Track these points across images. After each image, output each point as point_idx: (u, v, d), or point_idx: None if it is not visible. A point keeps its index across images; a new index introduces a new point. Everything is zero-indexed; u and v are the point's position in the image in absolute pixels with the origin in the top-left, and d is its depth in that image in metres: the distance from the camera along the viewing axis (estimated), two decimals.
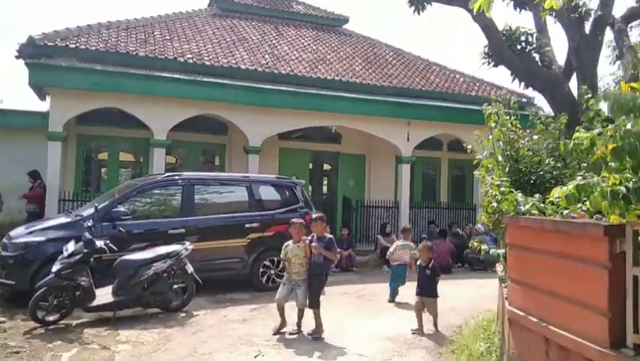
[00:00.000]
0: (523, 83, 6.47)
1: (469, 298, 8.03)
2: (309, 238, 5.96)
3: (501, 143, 5.09)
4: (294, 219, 6.22)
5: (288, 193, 8.82)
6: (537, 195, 4.06)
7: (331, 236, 6.06)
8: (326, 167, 15.05)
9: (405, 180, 12.23)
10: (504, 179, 4.40)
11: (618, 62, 11.13)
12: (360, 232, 12.61)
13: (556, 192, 2.98)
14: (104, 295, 6.27)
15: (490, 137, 5.20)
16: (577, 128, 4.92)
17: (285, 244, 6.09)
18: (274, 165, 12.20)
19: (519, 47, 6.96)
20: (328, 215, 11.72)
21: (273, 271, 8.19)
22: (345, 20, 17.43)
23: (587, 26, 6.25)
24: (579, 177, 4.25)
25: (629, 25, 8.57)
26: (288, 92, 10.93)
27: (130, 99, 9.91)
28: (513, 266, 3.62)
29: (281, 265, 8.25)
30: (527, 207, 3.59)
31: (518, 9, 8.15)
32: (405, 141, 12.20)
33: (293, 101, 10.95)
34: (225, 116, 10.74)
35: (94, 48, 11.03)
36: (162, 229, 7.54)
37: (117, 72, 9.90)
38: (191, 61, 11.70)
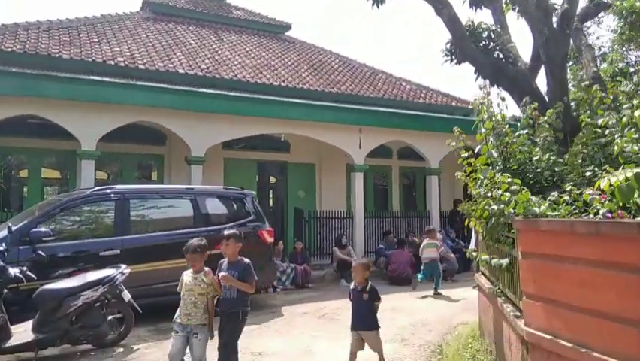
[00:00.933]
0: (488, 81, 6.12)
1: (439, 311, 7.51)
2: (222, 262, 4.61)
3: (491, 138, 4.58)
4: (193, 240, 4.66)
5: (237, 206, 8.00)
6: (538, 195, 3.55)
7: (248, 261, 4.61)
8: (274, 177, 14.33)
9: (358, 189, 11.68)
10: (507, 176, 3.82)
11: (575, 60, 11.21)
12: (314, 245, 11.91)
13: (603, 184, 2.41)
14: (22, 332, 5.23)
15: (483, 130, 4.67)
16: (582, 117, 4.55)
17: (184, 272, 4.63)
18: (219, 177, 11.30)
19: (482, 43, 6.63)
20: (278, 228, 11.00)
21: None
22: (288, 27, 16.87)
23: (554, 20, 6.00)
24: (588, 172, 3.82)
25: (584, 25, 8.59)
26: (232, 97, 10.12)
27: (53, 106, 8.72)
28: (529, 279, 3.03)
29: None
30: (543, 208, 3.02)
31: (474, 7, 7.84)
32: (357, 149, 11.68)
33: (238, 107, 10.13)
34: (163, 123, 9.75)
35: (9, 50, 9.77)
36: (93, 250, 6.51)
37: (37, 74, 8.70)
38: (123, 64, 10.67)
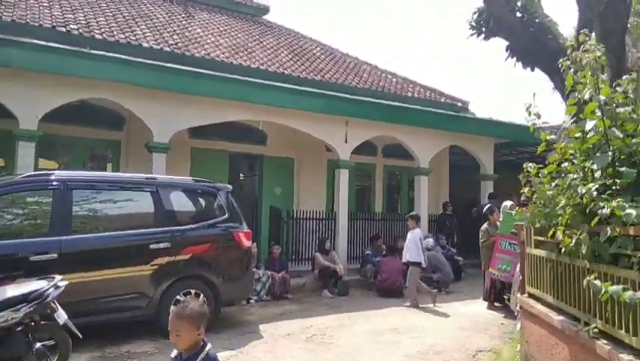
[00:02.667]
0: (520, 62, 5.06)
1: (449, 333, 6.36)
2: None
3: (601, 96, 3.30)
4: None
5: (208, 202, 6.64)
6: None
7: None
8: (248, 171, 12.99)
9: (343, 187, 10.46)
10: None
11: None
12: (292, 249, 10.63)
13: None
14: None
15: (587, 89, 3.40)
16: None
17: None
18: (184, 169, 9.83)
19: (518, 14, 5.55)
20: (251, 227, 9.65)
21: None
22: (266, 10, 15.51)
23: None
24: None
25: None
26: (204, 76, 8.70)
27: None
28: None
29: (200, 300, 6.06)
30: None
31: None
32: (342, 143, 10.46)
33: (210, 88, 8.72)
34: (122, 102, 8.26)
35: None
36: (20, 254, 5.05)
37: None
38: (76, 32, 9.12)
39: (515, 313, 6.82)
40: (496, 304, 7.95)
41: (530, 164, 4.14)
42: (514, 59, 5.52)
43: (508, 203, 7.80)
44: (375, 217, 11.42)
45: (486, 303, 8.05)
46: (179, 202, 6.33)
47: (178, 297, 5.90)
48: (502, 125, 12.51)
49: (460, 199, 14.72)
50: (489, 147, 12.94)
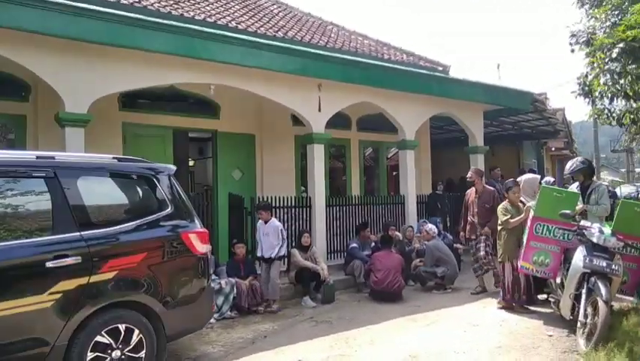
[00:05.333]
0: None
1: (491, 358, 4.57)
2: None
3: None
4: None
5: (143, 191, 4.53)
6: None
7: None
8: (198, 152, 10.90)
9: (318, 166, 8.49)
10: None
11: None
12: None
13: None
14: None
15: None
16: None
17: None
18: (114, 151, 7.50)
19: None
20: (204, 221, 7.57)
21: (117, 355, 3.88)
22: None
23: None
24: None
25: None
26: (133, 21, 6.44)
27: None
28: None
29: (135, 339, 4.00)
30: None
31: None
32: (315, 111, 8.47)
33: (141, 38, 6.48)
34: (19, 60, 5.93)
35: None
36: None
37: None
38: None
39: (568, 318, 5.15)
40: (525, 306, 6.24)
41: None
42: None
43: (549, 178, 6.11)
44: (355, 202, 9.51)
45: (505, 304, 6.31)
46: (95, 193, 4.18)
47: (99, 339, 3.83)
48: (495, 90, 10.84)
49: (443, 176, 13.12)
50: (478, 115, 11.30)
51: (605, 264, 4.73)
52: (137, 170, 4.51)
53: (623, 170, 42.05)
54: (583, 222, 5.20)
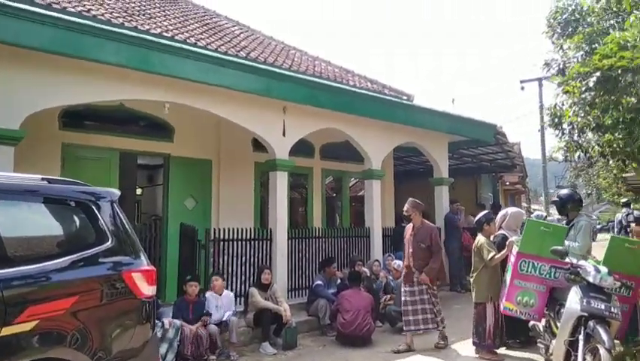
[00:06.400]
0: None
1: None
2: None
3: None
4: None
5: (78, 220, 3.75)
6: None
7: None
8: (148, 178, 10.09)
9: (281, 195, 7.86)
10: None
11: None
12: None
13: None
14: None
15: None
16: None
17: None
18: (52, 172, 6.61)
19: None
20: (148, 256, 6.75)
21: None
22: None
23: None
24: None
25: None
26: (82, 27, 5.70)
27: None
28: None
29: None
30: None
31: None
32: (280, 136, 7.89)
33: (93, 48, 5.73)
34: None
35: None
36: None
37: None
38: None
39: None
40: (498, 351, 5.73)
41: None
42: None
43: (540, 213, 5.72)
44: (318, 234, 8.87)
45: (476, 348, 5.77)
46: (15, 222, 3.38)
47: None
48: (460, 121, 10.64)
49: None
50: (444, 146, 11.06)
51: (603, 306, 4.29)
52: (71, 194, 3.73)
53: None
54: (576, 260, 4.79)
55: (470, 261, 10.97)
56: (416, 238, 6.22)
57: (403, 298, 6.26)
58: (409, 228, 6.42)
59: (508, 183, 20.94)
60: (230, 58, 7.33)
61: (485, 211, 6.42)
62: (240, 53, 8.93)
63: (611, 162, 9.17)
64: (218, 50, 8.45)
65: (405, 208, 6.40)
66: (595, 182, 25.81)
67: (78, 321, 3.34)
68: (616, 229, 11.65)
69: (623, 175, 11.72)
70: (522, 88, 26.82)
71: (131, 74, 6.17)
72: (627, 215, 11.52)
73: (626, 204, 12.18)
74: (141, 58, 6.09)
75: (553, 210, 11.94)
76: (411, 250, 6.22)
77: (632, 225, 10.80)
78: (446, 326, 6.32)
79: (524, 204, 27.28)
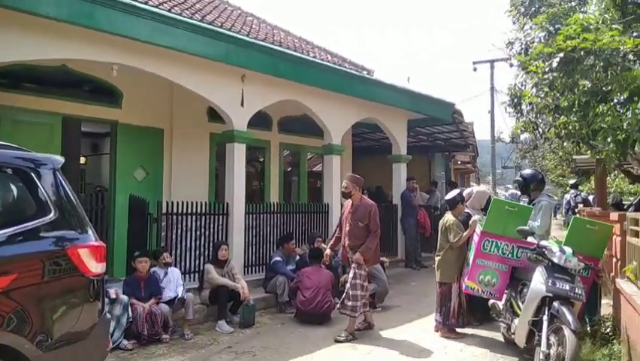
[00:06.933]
0: None
1: None
2: None
3: None
4: None
5: (16, 190, 3.32)
6: None
7: None
8: (92, 146, 9.50)
9: (238, 168, 7.51)
10: None
11: None
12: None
13: None
14: None
15: None
16: None
17: None
18: None
19: None
20: (97, 229, 6.31)
21: None
22: None
23: None
24: None
25: None
26: None
27: None
28: None
29: None
30: None
31: None
32: (238, 106, 7.50)
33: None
34: None
35: None
36: None
37: None
38: None
39: (523, 347, 4.67)
40: (458, 330, 5.73)
41: None
42: None
43: (514, 192, 5.67)
44: (276, 210, 8.59)
45: (445, 331, 5.73)
46: None
47: None
48: (420, 98, 10.55)
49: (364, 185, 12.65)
50: (403, 123, 11.00)
51: (568, 287, 4.29)
52: (7, 160, 3.29)
53: (509, 185, 45.43)
54: (541, 241, 4.78)
55: (424, 238, 11.29)
56: (354, 215, 5.75)
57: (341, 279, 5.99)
58: (347, 204, 5.97)
59: (459, 163, 21.31)
60: (185, 19, 6.80)
61: (457, 190, 6.33)
62: (194, 16, 8.36)
63: (565, 143, 9.37)
64: (172, 10, 7.87)
65: (343, 185, 5.89)
66: (540, 163, 26.74)
67: (16, 302, 2.97)
68: (564, 210, 12.04)
69: (574, 157, 12.07)
70: (474, 69, 27.25)
71: (75, 31, 5.60)
72: (575, 196, 11.92)
73: (574, 186, 12.61)
74: (85, 13, 5.52)
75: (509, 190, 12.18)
76: (347, 229, 5.78)
77: (580, 205, 11.19)
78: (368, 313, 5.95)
79: (473, 184, 28.00)
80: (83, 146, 10.66)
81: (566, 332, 3.97)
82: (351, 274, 5.66)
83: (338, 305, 5.78)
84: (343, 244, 5.90)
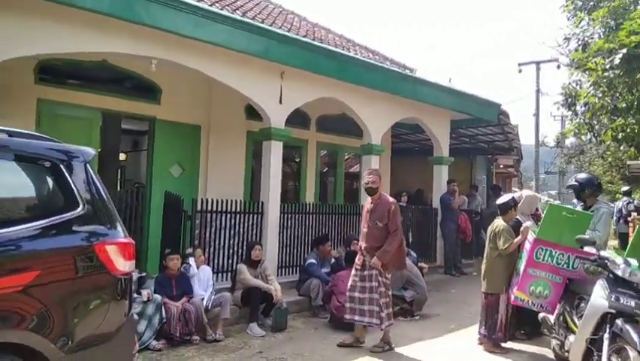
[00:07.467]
0: None
1: None
2: None
3: None
4: None
5: (42, 182, 3.21)
6: None
7: None
8: (131, 141, 9.53)
9: (275, 167, 7.34)
10: None
11: None
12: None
13: None
14: None
15: None
16: None
17: None
18: (28, 129, 6.06)
19: None
20: (130, 226, 6.25)
21: None
22: None
23: None
24: None
25: None
26: None
27: None
28: None
29: None
30: None
31: None
32: (276, 103, 7.33)
33: None
34: None
35: None
36: None
37: None
38: None
39: None
40: (503, 344, 5.32)
41: None
42: None
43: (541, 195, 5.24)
44: (312, 210, 8.36)
45: (490, 345, 5.34)
46: None
47: None
48: (465, 97, 10.12)
49: (398, 187, 12.32)
50: (446, 123, 10.61)
51: (633, 304, 3.87)
52: (36, 151, 3.18)
53: (552, 192, 43.91)
54: (603, 252, 4.36)
55: (465, 244, 10.85)
56: (373, 215, 5.21)
57: (350, 281, 5.35)
58: (367, 202, 5.43)
59: (502, 166, 20.58)
60: (226, 13, 6.68)
61: (510, 194, 5.94)
62: (235, 12, 8.26)
63: (622, 147, 8.78)
64: (210, 10, 7.78)
65: (371, 178, 5.26)
66: (587, 169, 25.59)
67: (39, 300, 2.83)
68: (615, 218, 11.36)
69: (628, 163, 11.36)
70: (520, 71, 26.32)
71: (114, 24, 5.54)
72: (627, 204, 11.22)
73: (627, 193, 11.89)
74: (125, 6, 5.45)
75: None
76: (365, 230, 5.29)
77: (633, 214, 10.49)
78: (392, 326, 5.29)
79: (515, 189, 27.07)
80: (124, 142, 10.78)
81: (631, 353, 3.57)
82: (366, 280, 5.18)
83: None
84: (359, 247, 5.43)
